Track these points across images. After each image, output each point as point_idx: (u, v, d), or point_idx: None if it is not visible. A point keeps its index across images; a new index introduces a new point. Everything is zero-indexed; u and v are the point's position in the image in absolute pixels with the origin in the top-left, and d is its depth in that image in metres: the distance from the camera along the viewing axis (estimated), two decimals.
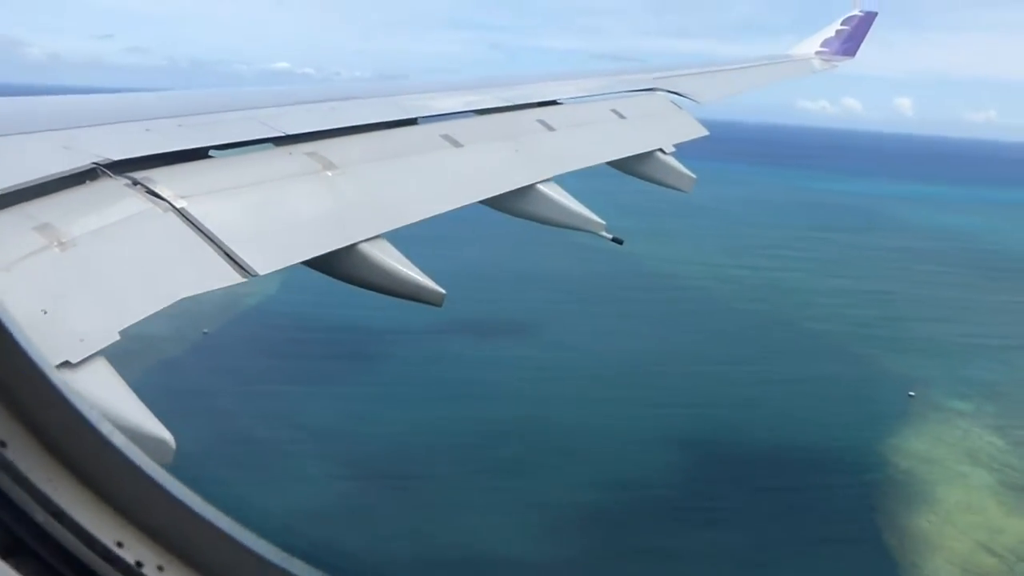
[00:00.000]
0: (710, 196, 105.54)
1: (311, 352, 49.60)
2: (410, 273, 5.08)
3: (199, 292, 3.94)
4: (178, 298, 3.78)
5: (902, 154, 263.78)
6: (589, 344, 53.75)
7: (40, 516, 1.18)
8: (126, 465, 1.22)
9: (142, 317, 3.55)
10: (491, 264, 71.18)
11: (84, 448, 1.21)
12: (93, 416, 1.22)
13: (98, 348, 3.20)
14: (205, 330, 49.66)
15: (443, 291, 5.17)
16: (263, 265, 4.21)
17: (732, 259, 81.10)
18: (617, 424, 42.26)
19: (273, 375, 45.65)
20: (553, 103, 8.25)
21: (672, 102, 9.98)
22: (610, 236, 7.22)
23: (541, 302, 62.29)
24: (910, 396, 48.50)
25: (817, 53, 15.51)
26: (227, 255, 4.11)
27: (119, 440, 1.22)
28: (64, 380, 1.24)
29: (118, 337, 3.32)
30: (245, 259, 4.14)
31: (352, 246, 4.88)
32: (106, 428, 1.22)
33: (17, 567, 1.15)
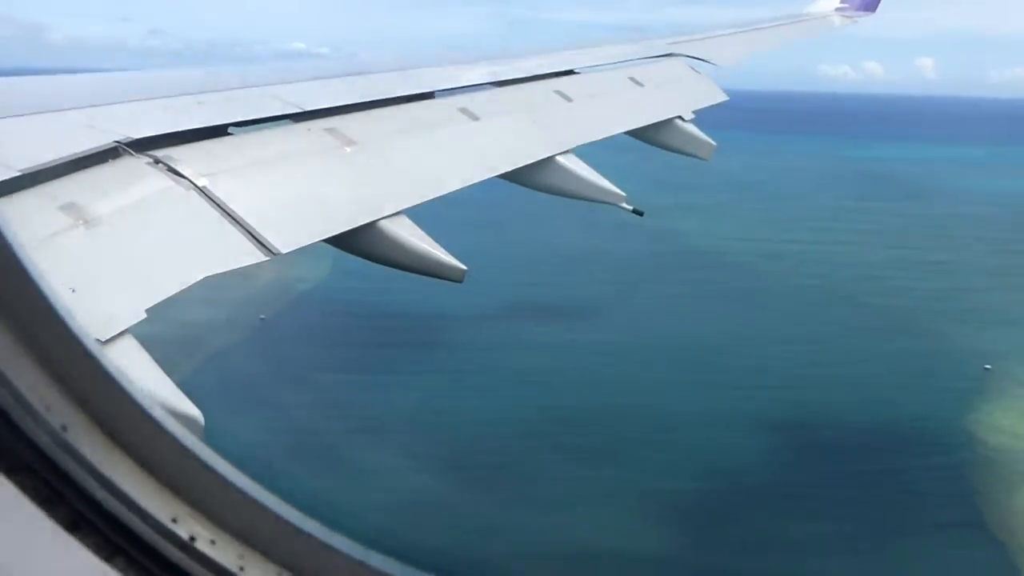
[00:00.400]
0: (741, 167, 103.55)
1: (373, 340, 48.72)
2: (430, 250, 5.08)
3: (223, 271, 3.97)
4: (203, 276, 3.82)
5: (931, 116, 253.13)
6: (651, 325, 52.72)
7: (100, 494, 1.28)
8: (179, 448, 1.31)
9: (168, 296, 3.59)
10: (531, 244, 69.95)
11: (139, 431, 1.30)
12: (146, 402, 1.31)
13: (126, 326, 3.24)
14: (262, 316, 48.47)
15: (464, 267, 5.16)
16: (284, 243, 4.22)
17: (777, 233, 78.98)
18: (697, 408, 41.40)
19: (340, 363, 44.68)
20: (570, 73, 8.18)
21: (691, 67, 9.84)
22: (631, 208, 7.16)
23: (592, 283, 61.19)
24: (986, 369, 46.92)
25: (837, 10, 15.18)
26: (249, 233, 4.14)
27: (172, 425, 1.31)
28: (118, 367, 1.34)
29: (145, 315, 3.36)
30: (267, 237, 4.16)
31: (372, 223, 4.89)
32: (159, 413, 1.32)
33: (81, 540, 1.25)
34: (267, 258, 4.13)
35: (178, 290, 3.67)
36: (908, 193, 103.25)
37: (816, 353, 49.00)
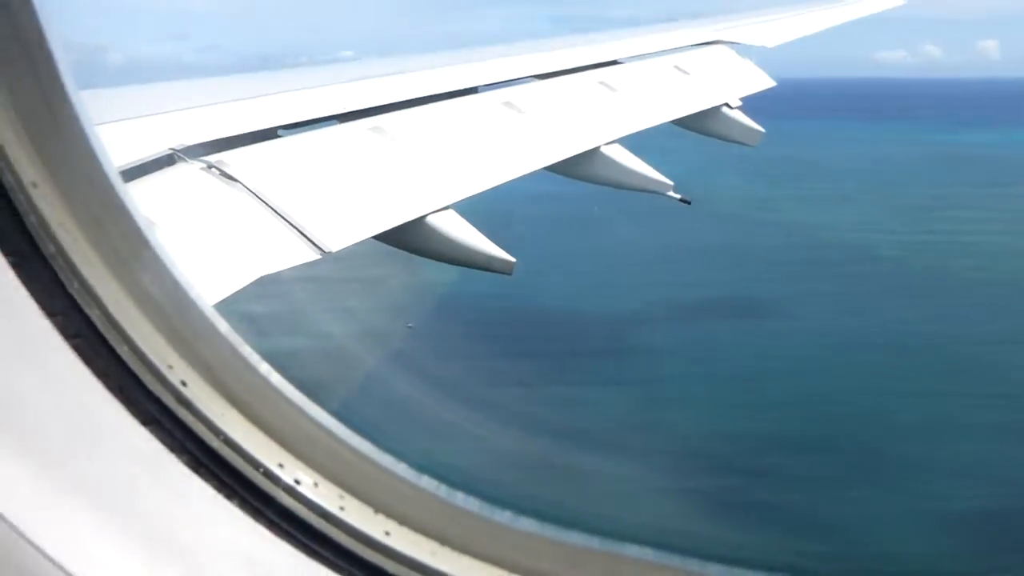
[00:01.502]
0: (834, 156, 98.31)
1: (552, 348, 43.32)
2: (479, 244, 5.13)
3: (277, 270, 4.09)
4: (257, 276, 3.93)
5: (1006, 99, 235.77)
6: (842, 325, 46.96)
7: (215, 444, 1.44)
8: (283, 401, 1.47)
9: (225, 296, 3.71)
10: (647, 241, 62.89)
11: (247, 387, 1.47)
12: (253, 358, 1.47)
13: None
14: (409, 324, 43.02)
15: (513, 260, 5.21)
16: (335, 241, 4.33)
17: (909, 224, 70.74)
18: (943, 416, 36.12)
19: (537, 374, 39.73)
20: (614, 63, 8.18)
21: (736, 53, 9.74)
22: (678, 196, 7.14)
23: (744, 280, 55.49)
24: None
25: None
26: (301, 232, 4.24)
27: (277, 381, 1.47)
28: (230, 330, 1.50)
29: None
30: (317, 236, 4.27)
31: (420, 218, 4.96)
32: (264, 368, 1.47)
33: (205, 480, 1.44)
34: (319, 256, 4.24)
35: (235, 290, 3.78)
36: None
37: None
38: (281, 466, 1.45)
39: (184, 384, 1.45)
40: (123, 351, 1.43)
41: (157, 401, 1.44)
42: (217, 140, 4.65)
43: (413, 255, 5.30)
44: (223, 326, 1.48)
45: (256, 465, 1.45)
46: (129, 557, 1.31)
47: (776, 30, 10.97)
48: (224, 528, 1.41)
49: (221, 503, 1.42)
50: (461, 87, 6.58)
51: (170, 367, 1.45)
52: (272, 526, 1.42)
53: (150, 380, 1.44)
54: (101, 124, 4.54)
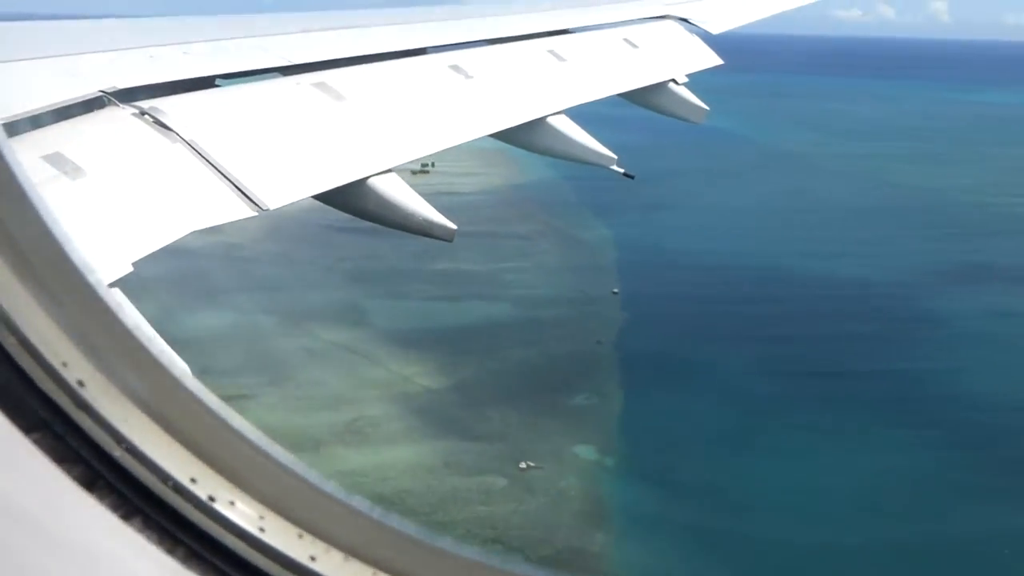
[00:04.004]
0: (883, 114, 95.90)
1: (819, 322, 39.80)
2: (421, 209, 5.04)
3: (210, 225, 3.97)
4: (189, 231, 3.80)
5: (981, 60, 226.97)
6: None
7: (116, 452, 1.26)
8: (198, 406, 1.29)
9: (154, 249, 3.58)
10: (803, 202, 61.95)
11: (157, 389, 1.29)
12: (165, 358, 1.29)
13: (111, 280, 3.19)
14: (615, 290, 41.78)
15: (454, 226, 5.13)
16: (274, 199, 4.20)
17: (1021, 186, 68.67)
18: None
19: (815, 345, 36.76)
20: (564, 32, 8.12)
21: (685, 30, 9.75)
22: (621, 171, 7.14)
23: (934, 244, 53.23)
24: None
25: None
26: (237, 188, 4.10)
27: (191, 383, 1.29)
28: (138, 323, 1.32)
29: (131, 269, 3.34)
30: (256, 193, 4.13)
31: (362, 180, 4.84)
32: (177, 370, 1.29)
33: (99, 499, 1.24)
34: (255, 213, 4.12)
35: (165, 244, 3.66)
36: None
37: None
38: (194, 480, 1.28)
39: (81, 384, 1.26)
40: (9, 343, 1.24)
41: (49, 403, 1.26)
42: (151, 85, 4.44)
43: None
44: (128, 315, 1.30)
45: (164, 478, 1.27)
46: None
47: (722, 11, 10.99)
48: (124, 552, 1.24)
49: (120, 523, 1.24)
50: (410, 47, 6.44)
51: (64, 364, 1.26)
52: (181, 549, 1.27)
53: (41, 378, 1.26)
54: (26, 59, 4.35)
